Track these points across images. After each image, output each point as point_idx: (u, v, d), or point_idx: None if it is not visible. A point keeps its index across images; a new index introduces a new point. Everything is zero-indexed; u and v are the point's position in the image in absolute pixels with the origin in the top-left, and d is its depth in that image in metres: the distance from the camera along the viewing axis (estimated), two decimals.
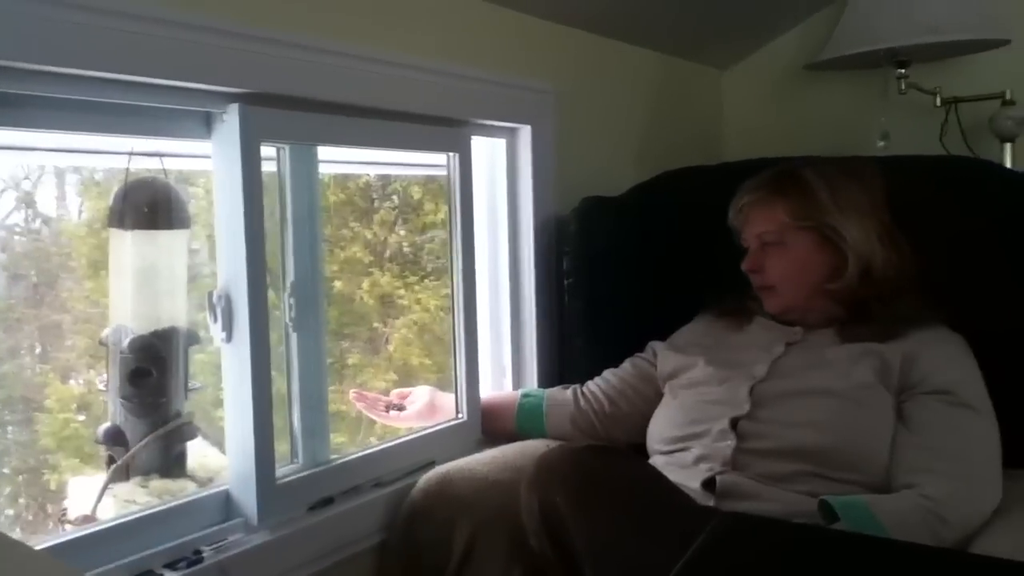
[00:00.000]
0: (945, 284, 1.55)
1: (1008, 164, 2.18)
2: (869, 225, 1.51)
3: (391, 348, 2.12)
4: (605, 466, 1.26)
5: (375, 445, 1.56)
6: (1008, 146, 2.21)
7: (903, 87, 2.26)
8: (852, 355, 1.45)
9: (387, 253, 2.11)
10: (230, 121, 1.26)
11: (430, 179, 2.03)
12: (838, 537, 1.05)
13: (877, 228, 1.52)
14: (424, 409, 1.67)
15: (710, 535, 0.82)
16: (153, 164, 1.35)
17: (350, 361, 2.04)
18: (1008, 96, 2.20)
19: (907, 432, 1.37)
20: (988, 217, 1.62)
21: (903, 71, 2.24)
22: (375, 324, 2.10)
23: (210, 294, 1.30)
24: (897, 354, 1.42)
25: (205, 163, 1.32)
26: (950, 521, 1.25)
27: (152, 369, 1.32)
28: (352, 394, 1.69)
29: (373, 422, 1.75)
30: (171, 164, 1.38)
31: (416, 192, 2.12)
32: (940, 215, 1.63)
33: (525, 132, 1.84)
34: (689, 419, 1.50)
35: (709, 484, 1.39)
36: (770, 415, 1.42)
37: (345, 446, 1.73)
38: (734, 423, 1.43)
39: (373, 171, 2.03)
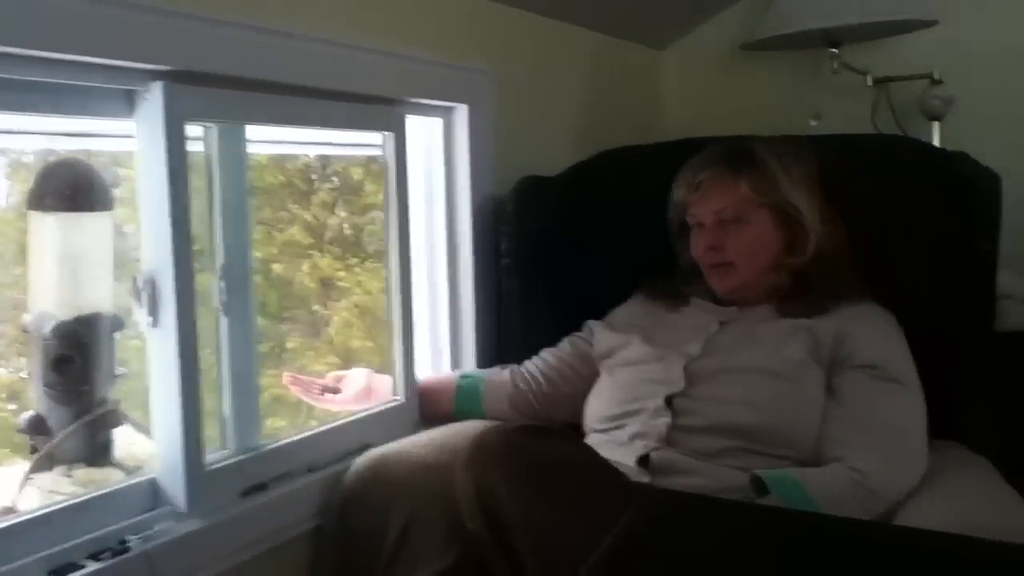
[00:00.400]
0: (873, 260, 1.58)
1: (936, 143, 2.22)
2: (814, 202, 1.53)
3: (332, 331, 2.10)
4: (540, 445, 1.26)
5: (310, 429, 1.54)
6: (936, 125, 2.25)
7: (836, 67, 2.29)
8: (784, 332, 1.47)
9: (327, 235, 2.08)
10: (153, 100, 1.22)
11: (371, 160, 2.00)
12: (765, 513, 1.06)
13: (819, 205, 1.54)
14: (361, 392, 1.65)
15: (636, 514, 0.82)
16: (88, 145, 1.31)
17: (290, 345, 2.01)
18: (936, 76, 2.25)
19: (836, 406, 1.39)
20: (917, 195, 1.64)
21: (835, 51, 2.27)
22: (315, 307, 2.07)
23: (135, 278, 1.27)
24: (828, 330, 1.45)
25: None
26: (877, 492, 1.28)
27: (75, 356, 1.28)
28: (286, 378, 1.67)
29: (314, 407, 1.72)
30: (103, 145, 1.34)
31: (357, 173, 2.09)
32: (870, 193, 1.65)
33: (462, 111, 1.83)
34: (625, 397, 1.51)
35: (644, 461, 1.40)
36: (703, 392, 1.44)
37: (285, 431, 1.70)
38: (669, 400, 1.44)
39: (312, 152, 1.99)
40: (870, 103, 2.35)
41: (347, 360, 2.04)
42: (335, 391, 1.65)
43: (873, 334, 1.45)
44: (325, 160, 2.05)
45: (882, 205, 1.65)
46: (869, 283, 1.53)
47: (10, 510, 1.20)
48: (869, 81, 2.33)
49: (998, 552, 0.84)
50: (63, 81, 1.15)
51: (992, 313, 1.56)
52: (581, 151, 2.01)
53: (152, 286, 1.26)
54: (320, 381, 1.67)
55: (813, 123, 2.29)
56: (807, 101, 2.35)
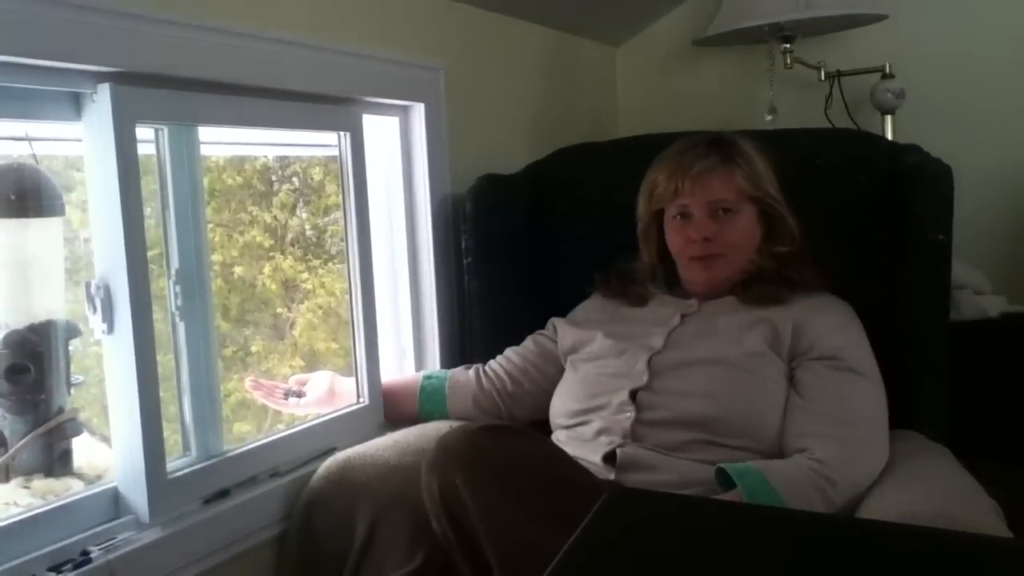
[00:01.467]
0: (828, 251, 1.60)
1: (889, 135, 2.26)
2: (781, 194, 1.55)
3: (296, 333, 2.08)
4: (503, 445, 1.26)
5: (273, 434, 1.53)
6: (888, 118, 2.29)
7: (788, 62, 2.31)
8: (744, 323, 1.48)
9: (289, 237, 2.06)
10: (101, 102, 1.20)
11: (332, 160, 1.99)
12: (723, 507, 1.07)
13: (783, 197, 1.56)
14: (324, 395, 1.64)
15: (601, 512, 0.82)
16: (42, 150, 1.29)
17: (253, 348, 1.99)
18: (888, 70, 2.28)
19: (798, 398, 1.41)
20: (870, 187, 1.67)
21: (788, 46, 2.29)
22: (279, 309, 2.05)
23: (88, 284, 1.24)
24: (788, 322, 1.46)
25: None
26: (839, 483, 1.29)
27: (29, 365, 1.26)
28: (248, 383, 1.65)
29: (280, 410, 1.71)
30: (55, 149, 1.32)
31: (317, 173, 2.08)
32: (824, 186, 1.68)
33: (418, 110, 1.82)
34: (589, 392, 1.51)
35: (610, 457, 1.40)
36: (665, 385, 1.44)
37: (252, 435, 1.69)
38: (633, 395, 1.45)
39: (271, 152, 1.97)
40: (823, 97, 2.39)
41: (312, 362, 2.02)
42: (299, 395, 1.64)
43: (832, 325, 1.47)
44: (284, 161, 2.03)
45: (836, 198, 1.67)
46: (827, 275, 1.55)
47: None
48: (821, 75, 2.37)
49: (958, 541, 0.86)
50: (7, 84, 1.13)
51: (947, 303, 1.59)
52: (537, 149, 2.02)
53: (105, 292, 1.24)
54: (283, 385, 1.66)
55: (768, 118, 2.31)
56: (761, 96, 2.38)
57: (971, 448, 1.46)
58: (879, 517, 1.17)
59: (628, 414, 1.43)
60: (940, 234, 1.55)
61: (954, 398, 1.56)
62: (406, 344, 1.86)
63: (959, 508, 1.19)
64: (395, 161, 1.83)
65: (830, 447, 1.32)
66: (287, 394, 1.64)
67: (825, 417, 1.36)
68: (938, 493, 1.25)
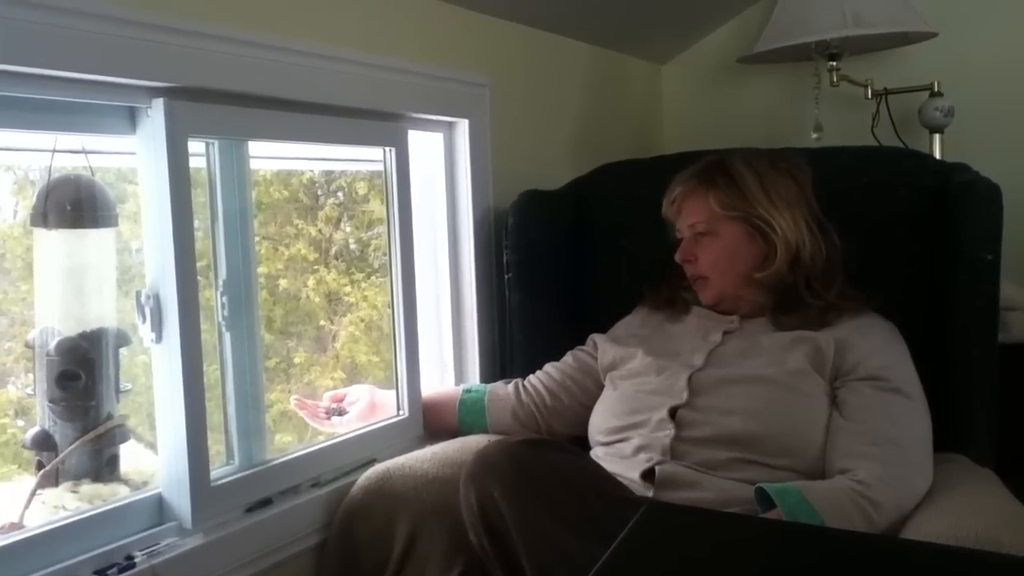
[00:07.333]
0: (875, 271, 1.58)
1: (937, 154, 2.23)
2: (798, 214, 1.53)
3: (338, 346, 2.10)
4: (542, 459, 1.26)
5: (315, 444, 1.55)
6: (937, 136, 2.26)
7: (835, 79, 2.30)
8: (786, 342, 1.47)
9: (333, 250, 2.09)
10: (155, 116, 1.23)
11: (376, 174, 2.02)
12: (761, 524, 1.06)
13: (806, 217, 1.54)
14: (366, 409, 1.65)
15: (637, 527, 0.82)
16: (97, 162, 1.32)
17: (296, 360, 2.02)
18: (936, 88, 2.25)
19: (841, 418, 1.39)
20: (917, 205, 1.65)
21: (835, 63, 2.28)
22: (322, 322, 2.08)
23: (138, 293, 1.27)
24: (830, 341, 1.44)
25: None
26: (882, 504, 1.27)
27: (80, 371, 1.29)
28: (293, 401, 1.66)
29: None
30: (109, 162, 1.35)
31: (361, 188, 2.10)
32: (871, 205, 1.66)
33: (462, 126, 1.84)
34: (629, 409, 1.51)
35: (648, 474, 1.39)
36: (707, 403, 1.44)
37: (293, 446, 1.70)
38: (673, 412, 1.44)
39: (317, 167, 2.00)
40: (870, 115, 2.36)
41: (353, 375, 2.04)
42: (340, 412, 1.65)
43: (877, 345, 1.45)
44: (330, 175, 2.06)
45: (881, 215, 1.65)
46: (871, 295, 1.53)
47: (17, 526, 1.21)
48: (869, 93, 2.35)
49: (1002, 564, 0.84)
50: (66, 99, 1.16)
51: (996, 324, 1.56)
52: (581, 165, 2.02)
53: (155, 301, 1.27)
54: (323, 405, 1.67)
55: (814, 136, 2.30)
56: (807, 114, 2.36)
57: (1018, 472, 1.43)
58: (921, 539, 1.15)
59: (667, 432, 1.43)
60: (989, 253, 1.52)
61: (1002, 421, 1.53)
62: (447, 358, 1.87)
63: (1004, 532, 1.16)
64: (439, 176, 1.85)
65: (874, 468, 1.30)
66: (328, 412, 1.66)
67: (869, 438, 1.34)
68: (983, 517, 1.22)
